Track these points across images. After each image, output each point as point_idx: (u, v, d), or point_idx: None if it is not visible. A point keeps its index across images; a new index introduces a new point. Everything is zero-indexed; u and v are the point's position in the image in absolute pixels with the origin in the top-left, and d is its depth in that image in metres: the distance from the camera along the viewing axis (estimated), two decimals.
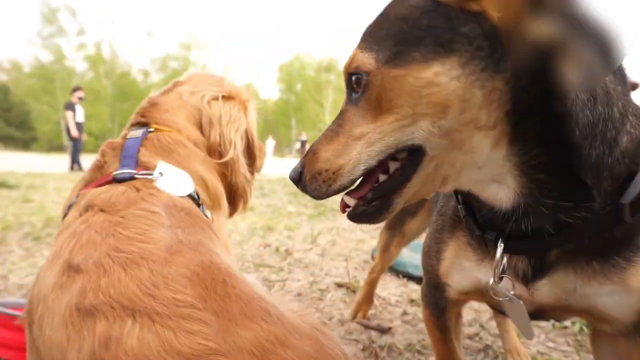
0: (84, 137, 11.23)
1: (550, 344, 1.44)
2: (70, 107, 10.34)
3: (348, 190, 0.62)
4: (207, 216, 0.94)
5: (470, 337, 1.49)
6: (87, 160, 13.19)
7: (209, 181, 1.01)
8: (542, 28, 0.47)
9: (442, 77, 0.51)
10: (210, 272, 0.61)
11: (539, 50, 0.48)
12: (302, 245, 2.72)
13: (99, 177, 0.92)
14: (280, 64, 53.45)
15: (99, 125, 37.69)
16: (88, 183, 0.92)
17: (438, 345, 0.83)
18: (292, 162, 23.31)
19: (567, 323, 1.57)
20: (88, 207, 0.77)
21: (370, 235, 3.24)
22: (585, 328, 1.52)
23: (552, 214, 0.54)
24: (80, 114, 10.50)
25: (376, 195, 0.60)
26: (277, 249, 2.50)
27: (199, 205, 0.92)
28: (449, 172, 0.57)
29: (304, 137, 28.40)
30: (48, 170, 9.16)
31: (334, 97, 44.43)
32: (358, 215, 0.62)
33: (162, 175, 0.90)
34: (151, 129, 1.02)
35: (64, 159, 13.10)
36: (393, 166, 0.59)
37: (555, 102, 0.49)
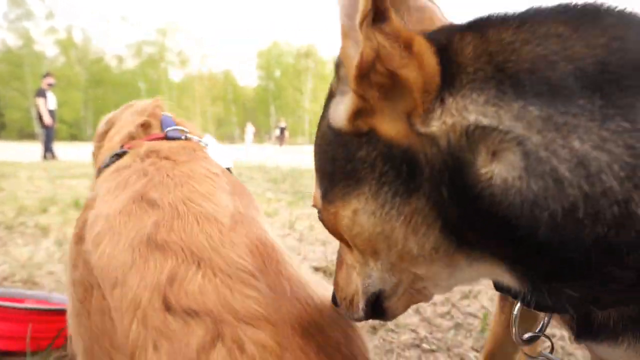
0: (56, 124, 10.97)
1: None
2: (41, 93, 10.06)
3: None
4: None
5: (442, 316, 1.55)
6: (61, 149, 12.88)
7: None
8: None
9: (360, 215, 0.45)
10: (267, 248, 0.64)
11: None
12: (281, 231, 2.75)
13: (147, 136, 0.93)
14: (258, 51, 52.87)
15: (72, 113, 36.76)
16: (132, 139, 0.92)
17: None
18: (271, 148, 23.24)
19: None
20: (150, 153, 0.80)
21: None
22: None
23: None
24: (52, 101, 10.22)
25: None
26: None
27: None
28: (426, 290, 0.52)
29: (282, 124, 28.32)
30: (19, 159, 8.92)
31: (313, 83, 44.21)
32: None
33: (207, 145, 0.93)
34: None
35: (36, 147, 12.75)
36: None
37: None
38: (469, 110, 0.38)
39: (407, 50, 0.39)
